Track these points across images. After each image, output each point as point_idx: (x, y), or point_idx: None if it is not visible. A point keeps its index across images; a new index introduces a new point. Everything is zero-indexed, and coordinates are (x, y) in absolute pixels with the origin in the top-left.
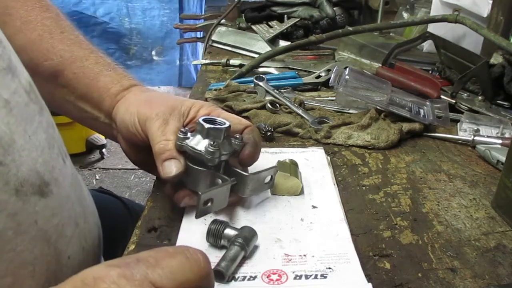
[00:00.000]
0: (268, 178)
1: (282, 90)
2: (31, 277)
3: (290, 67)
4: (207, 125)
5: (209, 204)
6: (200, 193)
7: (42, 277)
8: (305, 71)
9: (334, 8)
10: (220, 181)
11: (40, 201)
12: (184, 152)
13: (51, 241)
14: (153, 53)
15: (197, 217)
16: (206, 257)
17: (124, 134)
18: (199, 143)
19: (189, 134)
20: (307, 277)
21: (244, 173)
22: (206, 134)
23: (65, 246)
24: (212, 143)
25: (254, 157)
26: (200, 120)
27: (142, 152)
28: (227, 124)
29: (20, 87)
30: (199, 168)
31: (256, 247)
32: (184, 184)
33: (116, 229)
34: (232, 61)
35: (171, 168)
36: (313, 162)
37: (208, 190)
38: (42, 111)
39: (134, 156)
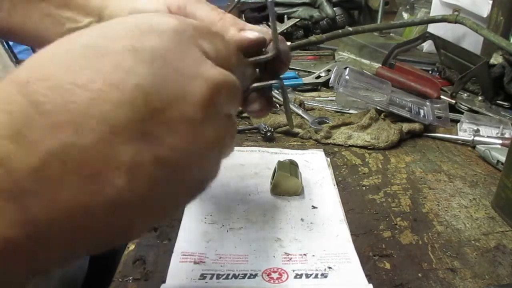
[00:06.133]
0: None
1: None
2: None
3: (290, 67)
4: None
5: None
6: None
7: None
8: (305, 71)
9: (334, 9)
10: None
11: None
12: None
13: None
14: None
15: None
16: None
17: None
18: None
19: None
20: (307, 276)
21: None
22: None
23: None
24: None
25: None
26: None
27: None
28: None
29: None
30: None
31: (256, 246)
32: None
33: None
34: None
35: (253, 33)
36: (313, 163)
37: None
38: None
39: None
